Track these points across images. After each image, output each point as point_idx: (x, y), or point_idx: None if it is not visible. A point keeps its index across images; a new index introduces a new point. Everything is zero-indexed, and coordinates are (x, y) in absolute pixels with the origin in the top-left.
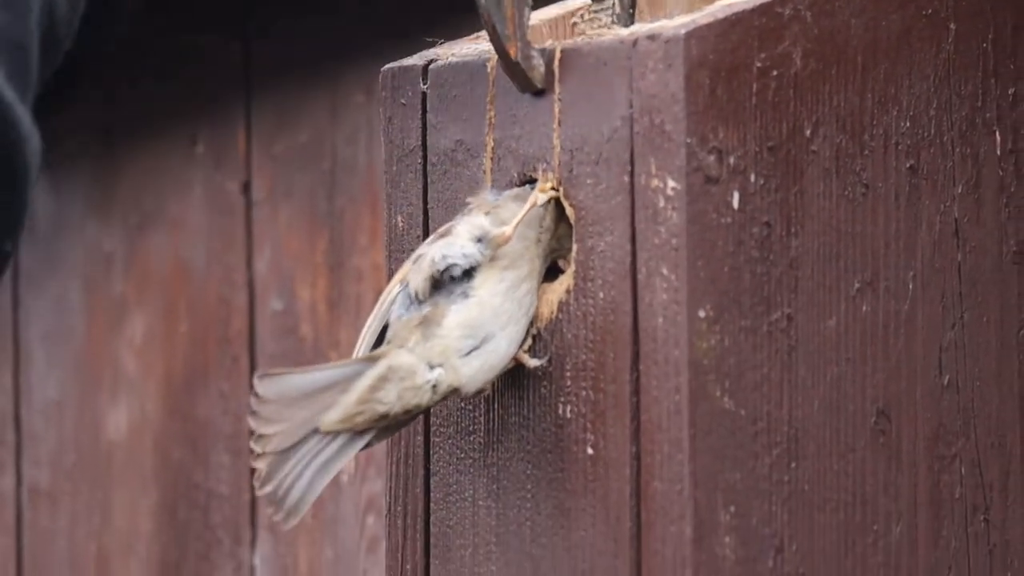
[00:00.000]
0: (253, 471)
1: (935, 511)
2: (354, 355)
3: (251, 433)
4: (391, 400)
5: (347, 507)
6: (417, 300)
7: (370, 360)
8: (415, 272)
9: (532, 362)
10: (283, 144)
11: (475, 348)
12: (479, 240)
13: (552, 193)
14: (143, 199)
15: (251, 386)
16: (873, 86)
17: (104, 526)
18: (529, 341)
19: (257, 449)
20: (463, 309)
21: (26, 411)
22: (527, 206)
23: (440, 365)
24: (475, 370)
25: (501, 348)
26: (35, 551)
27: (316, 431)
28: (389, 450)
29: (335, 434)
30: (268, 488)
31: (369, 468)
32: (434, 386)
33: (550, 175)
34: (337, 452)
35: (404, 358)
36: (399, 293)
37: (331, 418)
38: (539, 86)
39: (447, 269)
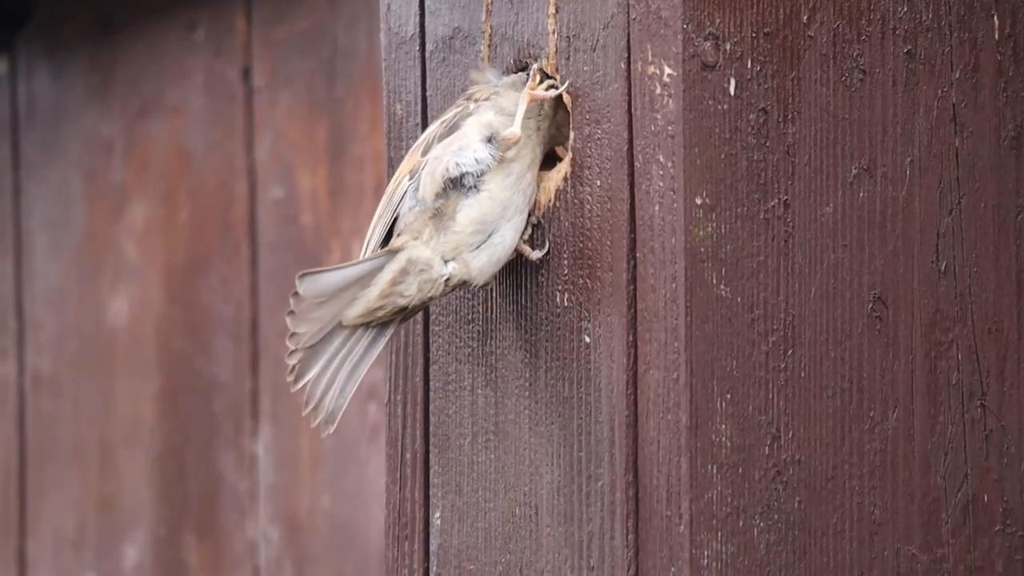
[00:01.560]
0: (255, 362)
1: (932, 397)
2: (364, 245)
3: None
4: (412, 293)
5: None
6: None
7: (389, 254)
8: (427, 178)
9: (534, 254)
10: (283, 31)
11: (483, 242)
12: (489, 140)
13: (555, 92)
14: (143, 86)
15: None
16: None
17: (106, 413)
18: (528, 230)
19: (291, 346)
20: (475, 204)
21: (28, 298)
22: (525, 100)
23: (453, 259)
24: (483, 263)
25: (507, 240)
26: (38, 438)
27: (340, 326)
28: (389, 340)
29: (359, 331)
30: (299, 384)
31: None
32: (447, 279)
33: (544, 63)
34: (364, 352)
35: (421, 251)
36: (410, 187)
37: (354, 312)
38: None
39: (461, 177)
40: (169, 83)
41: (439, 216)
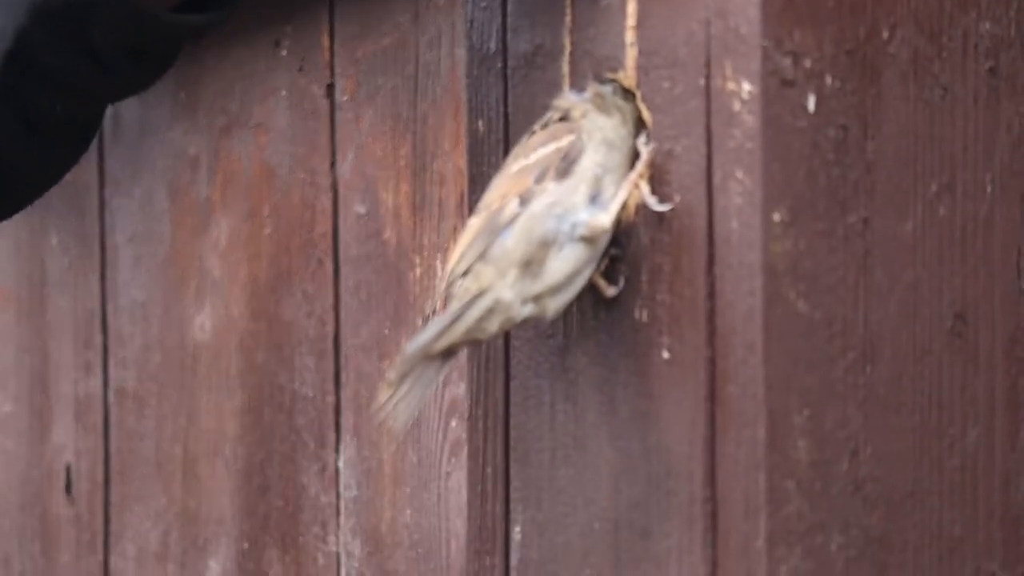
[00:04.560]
0: (338, 376)
1: (1012, 414)
2: (458, 257)
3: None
4: (494, 329)
5: (430, 411)
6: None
7: (478, 295)
8: (522, 234)
9: (609, 291)
10: (366, 48)
11: (566, 288)
12: (593, 199)
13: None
14: (228, 103)
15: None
16: None
17: (190, 428)
18: (606, 261)
19: (388, 376)
20: (570, 256)
21: (112, 313)
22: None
23: (533, 302)
24: (560, 305)
25: (585, 279)
26: (122, 452)
27: (424, 356)
28: (471, 355)
29: (436, 358)
30: (382, 414)
31: (452, 372)
32: (524, 319)
33: (622, 76)
34: (436, 372)
35: (506, 293)
36: (516, 216)
37: (439, 345)
38: None
39: (556, 238)
40: (254, 100)
41: (528, 264)
